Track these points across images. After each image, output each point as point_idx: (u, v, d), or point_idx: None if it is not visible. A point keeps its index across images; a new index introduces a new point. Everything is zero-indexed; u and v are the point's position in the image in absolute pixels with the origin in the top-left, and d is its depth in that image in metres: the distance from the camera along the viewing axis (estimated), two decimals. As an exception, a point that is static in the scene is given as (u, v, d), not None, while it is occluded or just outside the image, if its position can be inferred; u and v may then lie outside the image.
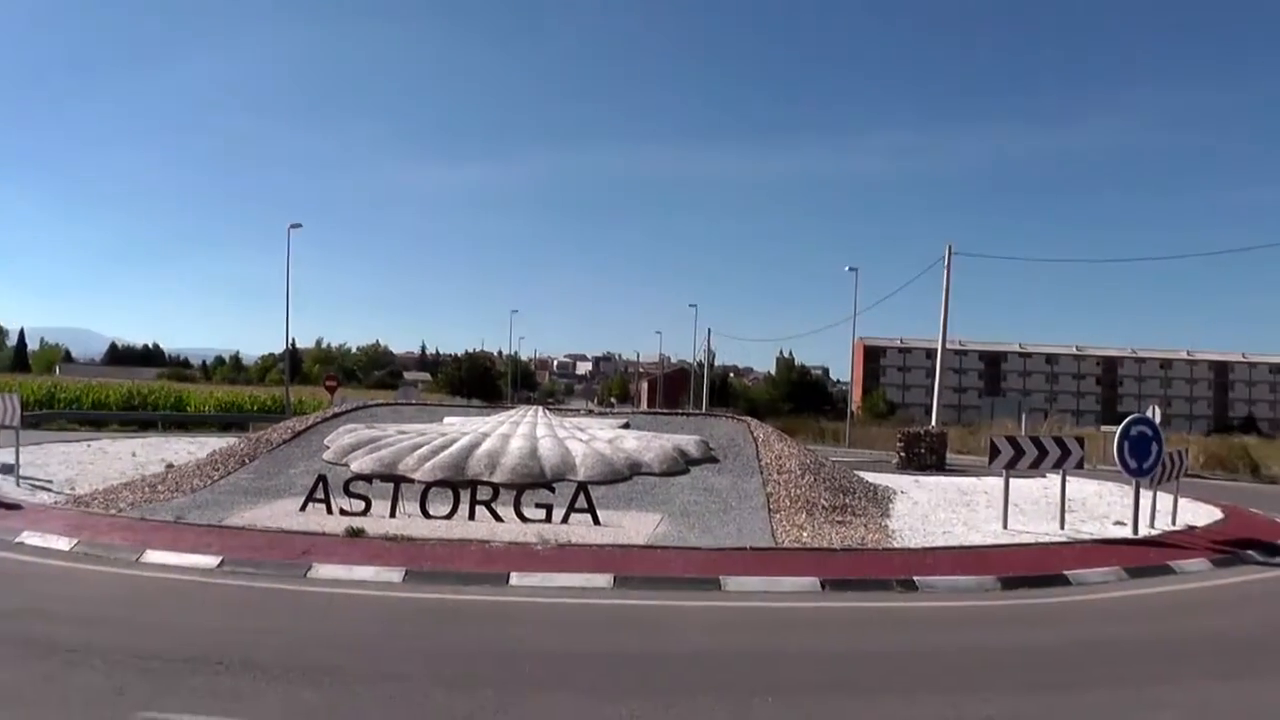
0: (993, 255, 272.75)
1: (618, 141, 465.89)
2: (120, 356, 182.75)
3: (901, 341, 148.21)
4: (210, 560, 14.10)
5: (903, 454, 36.42)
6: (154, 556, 14.38)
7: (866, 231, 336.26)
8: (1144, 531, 18.52)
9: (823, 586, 13.67)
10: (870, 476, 26.18)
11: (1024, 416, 26.11)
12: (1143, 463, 18.10)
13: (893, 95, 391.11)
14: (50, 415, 46.97)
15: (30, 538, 15.56)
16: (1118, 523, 19.72)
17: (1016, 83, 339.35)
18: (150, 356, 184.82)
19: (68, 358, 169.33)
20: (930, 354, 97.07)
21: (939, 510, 21.54)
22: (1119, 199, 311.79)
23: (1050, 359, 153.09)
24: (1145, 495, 19.20)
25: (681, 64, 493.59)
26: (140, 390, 59.85)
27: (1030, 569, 15.08)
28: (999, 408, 59.49)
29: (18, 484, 20.99)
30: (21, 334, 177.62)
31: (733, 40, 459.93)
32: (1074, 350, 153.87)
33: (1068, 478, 19.93)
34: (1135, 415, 19.14)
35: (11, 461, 22.15)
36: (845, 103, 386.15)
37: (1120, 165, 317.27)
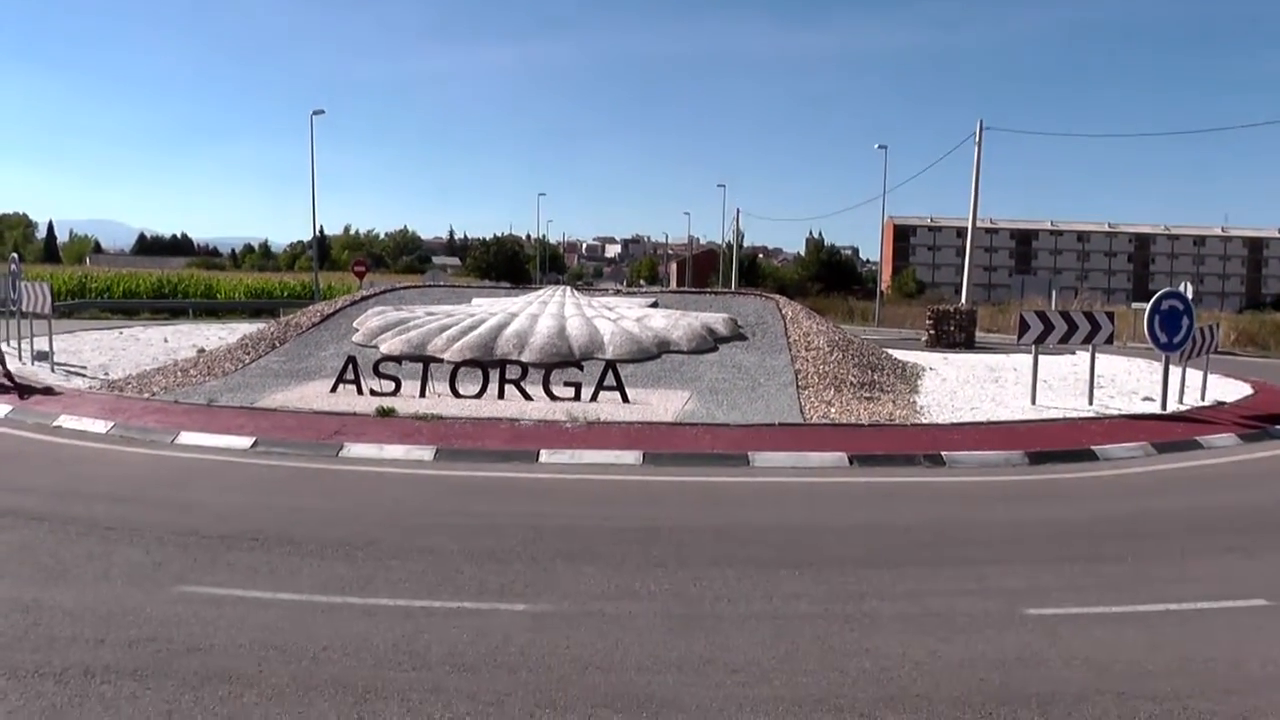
0: (1024, 130, 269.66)
1: (645, 18, 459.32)
2: (149, 247, 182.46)
3: (932, 220, 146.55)
4: (244, 441, 14.28)
5: (932, 332, 36.34)
6: (188, 438, 14.59)
7: (899, 108, 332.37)
8: (1173, 407, 18.47)
9: (850, 462, 13.76)
10: (899, 354, 26.20)
11: (1054, 294, 25.86)
12: (1173, 337, 17.97)
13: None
14: (82, 304, 47.25)
15: (67, 421, 15.81)
16: (1146, 399, 19.66)
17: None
18: (179, 246, 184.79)
19: (97, 249, 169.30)
20: (961, 233, 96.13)
21: (967, 387, 21.53)
22: (1155, 70, 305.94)
23: (1082, 237, 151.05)
24: (1175, 371, 19.11)
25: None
26: (170, 279, 60.10)
27: (1058, 444, 15.11)
28: (1029, 286, 59.12)
29: (53, 370, 21.24)
30: (50, 226, 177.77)
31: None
32: (1106, 228, 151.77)
33: (1097, 355, 19.82)
34: (1167, 289, 18.95)
35: (46, 349, 22.37)
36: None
37: (1156, 34, 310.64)
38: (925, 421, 16.85)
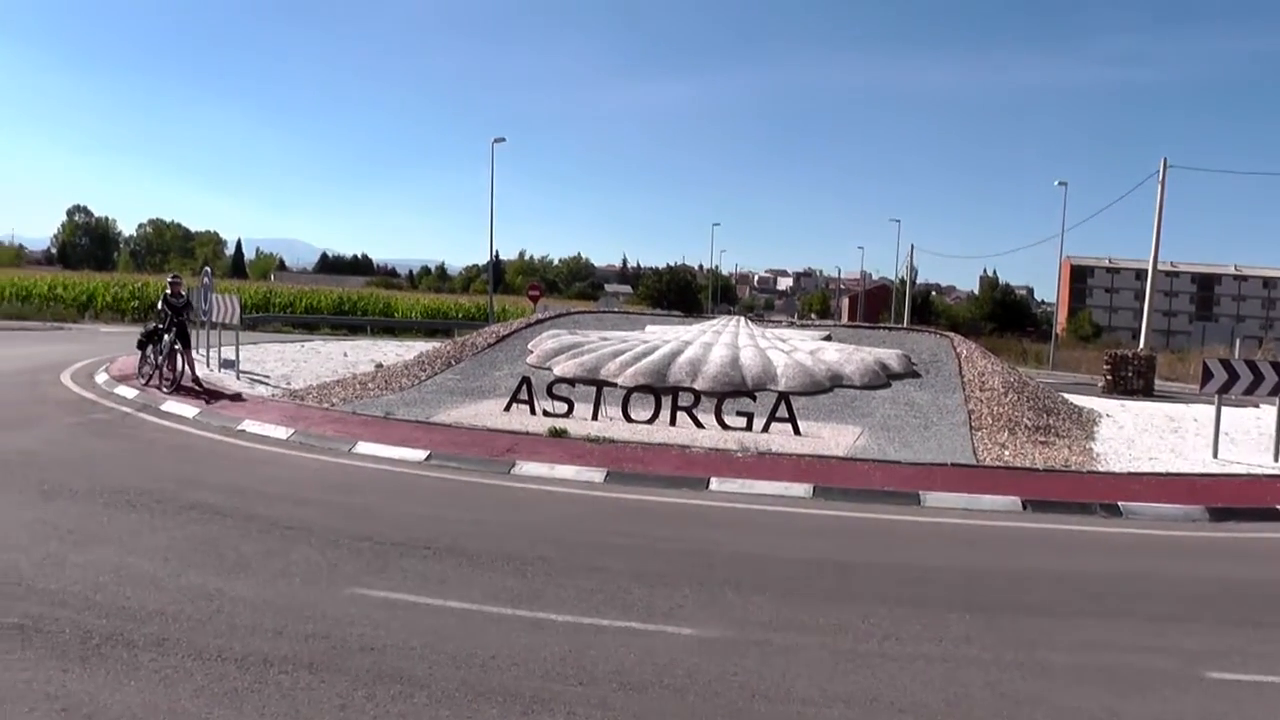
0: (1210, 169, 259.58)
1: (820, 54, 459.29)
2: (330, 265, 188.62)
3: (1110, 261, 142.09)
4: (418, 454, 14.64)
5: (1109, 377, 35.20)
6: (364, 448, 15.02)
7: (1076, 144, 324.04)
8: (1368, 467, 17.50)
9: (1024, 506, 13.39)
10: (1074, 398, 25.41)
11: (1237, 343, 24.76)
12: (1370, 392, 17.08)
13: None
14: (266, 318, 49.17)
15: (251, 426, 16.44)
16: (1338, 457, 18.68)
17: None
18: (359, 266, 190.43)
19: (281, 266, 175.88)
20: (1140, 275, 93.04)
21: (1145, 435, 20.76)
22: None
23: (1268, 283, 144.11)
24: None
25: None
26: (350, 296, 62.21)
27: (1241, 501, 14.37)
28: (1210, 333, 56.80)
29: (238, 378, 22.10)
30: (239, 244, 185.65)
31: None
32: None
33: (1286, 408, 18.89)
34: (1368, 342, 18.04)
35: (233, 357, 23.30)
36: (1054, 9, 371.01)
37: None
38: (1101, 469, 16.28)
